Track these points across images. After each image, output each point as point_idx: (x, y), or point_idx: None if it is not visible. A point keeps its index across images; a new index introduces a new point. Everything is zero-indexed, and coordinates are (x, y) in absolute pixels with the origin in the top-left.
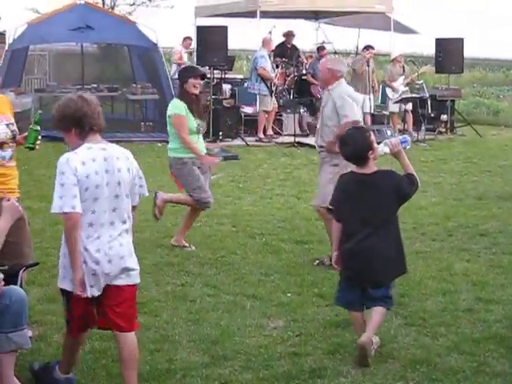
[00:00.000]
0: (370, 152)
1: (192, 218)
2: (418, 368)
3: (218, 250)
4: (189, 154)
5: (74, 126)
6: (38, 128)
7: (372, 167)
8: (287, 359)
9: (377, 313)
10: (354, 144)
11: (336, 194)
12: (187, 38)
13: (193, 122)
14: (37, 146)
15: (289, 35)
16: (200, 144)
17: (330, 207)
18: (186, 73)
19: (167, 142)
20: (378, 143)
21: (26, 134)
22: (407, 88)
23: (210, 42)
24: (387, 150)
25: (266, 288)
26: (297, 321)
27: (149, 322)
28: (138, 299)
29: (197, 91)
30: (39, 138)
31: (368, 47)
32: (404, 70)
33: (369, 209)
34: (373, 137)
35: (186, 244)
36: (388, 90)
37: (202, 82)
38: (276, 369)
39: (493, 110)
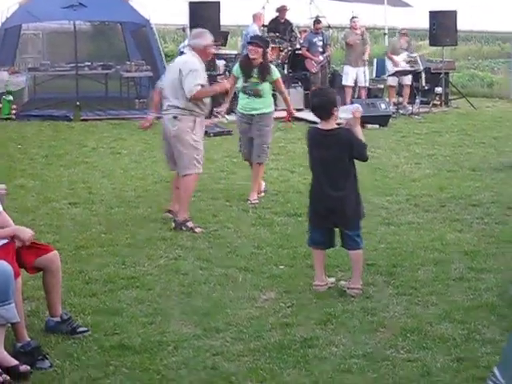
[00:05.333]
0: (335, 108)
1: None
2: (408, 336)
3: (211, 224)
4: None
5: None
6: (11, 98)
7: (333, 124)
8: (279, 330)
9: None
10: (324, 96)
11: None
12: None
13: None
14: (12, 116)
15: (282, 10)
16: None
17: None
18: None
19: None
20: (369, 116)
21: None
22: (408, 65)
23: (203, 18)
24: (345, 115)
25: (259, 260)
26: (289, 292)
27: (142, 296)
28: (130, 273)
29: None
30: (13, 106)
31: (352, 18)
32: (409, 46)
33: (327, 160)
34: (338, 97)
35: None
36: (388, 63)
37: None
38: (267, 339)
39: (487, 82)
